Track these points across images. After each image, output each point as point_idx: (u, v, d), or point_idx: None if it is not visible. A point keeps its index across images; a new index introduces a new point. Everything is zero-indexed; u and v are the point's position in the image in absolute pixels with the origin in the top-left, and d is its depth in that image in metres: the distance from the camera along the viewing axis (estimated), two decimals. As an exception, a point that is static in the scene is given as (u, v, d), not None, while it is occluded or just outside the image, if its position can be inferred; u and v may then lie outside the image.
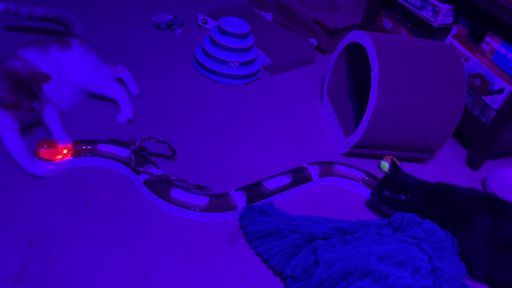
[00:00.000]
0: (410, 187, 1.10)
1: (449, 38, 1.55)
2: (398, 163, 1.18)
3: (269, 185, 1.15)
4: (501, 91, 1.35)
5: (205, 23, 1.81)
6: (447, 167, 1.45)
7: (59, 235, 0.95)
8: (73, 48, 1.29)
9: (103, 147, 1.12)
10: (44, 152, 1.07)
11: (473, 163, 1.46)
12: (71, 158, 1.09)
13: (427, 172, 1.40)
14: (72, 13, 1.44)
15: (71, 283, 0.87)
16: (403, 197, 1.09)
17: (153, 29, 1.74)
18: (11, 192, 1.01)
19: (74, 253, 0.93)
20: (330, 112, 1.49)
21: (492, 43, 1.41)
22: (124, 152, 1.13)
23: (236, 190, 1.12)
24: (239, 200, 1.10)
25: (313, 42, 1.85)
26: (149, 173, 1.08)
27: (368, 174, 1.27)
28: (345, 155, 1.37)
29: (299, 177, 1.20)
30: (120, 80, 1.39)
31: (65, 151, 1.08)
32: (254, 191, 1.13)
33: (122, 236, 0.98)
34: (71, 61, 1.27)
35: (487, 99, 1.40)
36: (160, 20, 1.74)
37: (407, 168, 1.20)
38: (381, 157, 1.36)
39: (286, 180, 1.18)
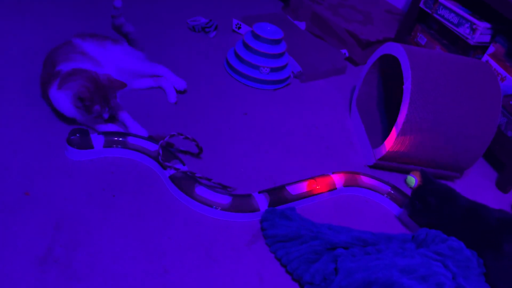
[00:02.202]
0: (442, 198, 1.08)
1: (485, 57, 1.52)
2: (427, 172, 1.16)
3: (293, 190, 1.15)
4: (537, 113, 1.31)
5: (239, 28, 1.84)
6: (475, 188, 1.41)
7: (85, 222, 0.98)
8: (123, 43, 1.40)
9: (132, 140, 1.15)
10: None
11: (503, 186, 1.42)
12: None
13: (455, 190, 1.37)
14: (109, 12, 1.49)
15: (93, 270, 0.89)
16: (419, 206, 1.08)
17: (188, 31, 1.77)
18: (42, 176, 1.05)
19: (98, 240, 0.94)
20: (358, 123, 1.48)
21: (530, 63, 1.38)
22: (152, 146, 1.15)
23: (259, 192, 1.12)
24: (262, 202, 1.10)
25: (344, 53, 1.84)
26: (175, 169, 1.10)
27: (394, 187, 1.25)
28: (371, 167, 1.36)
29: (323, 185, 1.19)
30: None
31: None
32: (277, 195, 1.13)
33: (145, 228, 1.00)
34: (124, 53, 1.36)
35: (522, 120, 1.36)
36: (195, 23, 1.78)
37: (434, 185, 1.18)
38: (408, 172, 1.34)
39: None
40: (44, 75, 1.20)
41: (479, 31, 1.53)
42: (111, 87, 1.15)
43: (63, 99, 1.13)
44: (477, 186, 1.42)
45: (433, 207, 1.07)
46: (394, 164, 1.33)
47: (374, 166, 1.35)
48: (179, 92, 1.42)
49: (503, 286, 0.99)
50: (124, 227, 0.99)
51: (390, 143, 1.25)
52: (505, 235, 1.00)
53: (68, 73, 1.14)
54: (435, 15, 1.70)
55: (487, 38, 1.56)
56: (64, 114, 1.16)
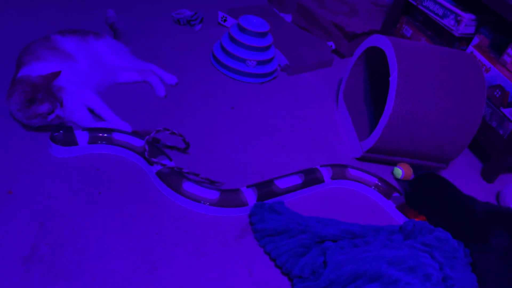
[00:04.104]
0: (428, 187, 1.11)
1: (470, 48, 1.53)
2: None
3: (281, 184, 1.15)
4: (521, 103, 1.33)
5: (225, 20, 1.82)
6: (461, 178, 1.43)
7: (71, 220, 0.96)
8: (106, 37, 1.37)
9: (118, 136, 1.13)
10: None
11: (488, 176, 1.44)
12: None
13: (441, 181, 1.38)
14: (93, 5, 1.48)
15: (80, 268, 0.88)
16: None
17: (173, 24, 1.75)
18: (26, 174, 1.03)
19: (85, 238, 0.93)
20: (345, 116, 1.48)
21: (514, 55, 1.39)
22: (138, 142, 1.13)
23: (248, 186, 1.12)
24: (250, 197, 1.10)
25: (331, 46, 1.84)
26: (162, 165, 1.09)
27: (381, 179, 1.25)
28: (358, 159, 1.36)
29: (311, 178, 1.19)
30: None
31: None
32: (265, 189, 1.12)
33: (132, 225, 0.99)
34: (106, 47, 1.34)
35: (506, 111, 1.38)
36: (180, 16, 1.75)
37: (421, 176, 1.19)
38: (394, 164, 1.35)
39: (297, 180, 1.17)
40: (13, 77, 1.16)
41: (464, 22, 1.54)
42: (48, 82, 1.09)
43: (13, 111, 1.10)
44: (462, 176, 1.44)
45: (417, 195, 1.08)
46: (381, 156, 1.33)
47: (361, 159, 1.36)
48: (170, 86, 1.42)
49: (490, 277, 1.00)
50: (111, 224, 0.97)
51: (377, 135, 1.25)
52: (491, 228, 1.01)
53: (10, 86, 1.10)
54: (420, 6, 1.71)
55: (471, 30, 1.57)
56: (22, 122, 1.12)
